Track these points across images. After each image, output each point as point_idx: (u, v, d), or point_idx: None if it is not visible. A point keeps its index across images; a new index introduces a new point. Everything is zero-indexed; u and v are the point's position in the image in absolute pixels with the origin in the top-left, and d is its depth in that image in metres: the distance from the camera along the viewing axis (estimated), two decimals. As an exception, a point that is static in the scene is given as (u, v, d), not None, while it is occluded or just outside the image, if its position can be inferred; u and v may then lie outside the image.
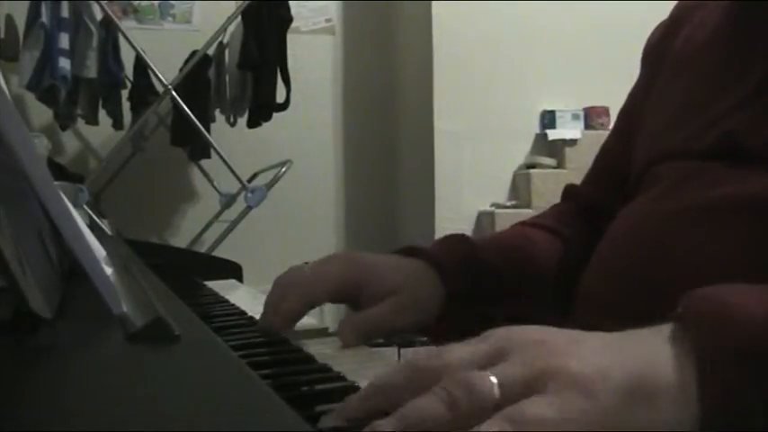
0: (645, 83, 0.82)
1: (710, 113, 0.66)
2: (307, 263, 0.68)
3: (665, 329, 0.39)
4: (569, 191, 0.91)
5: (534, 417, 0.34)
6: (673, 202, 0.65)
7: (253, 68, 2.85)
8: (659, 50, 0.80)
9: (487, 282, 0.73)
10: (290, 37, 2.94)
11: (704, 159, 0.65)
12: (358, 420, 0.38)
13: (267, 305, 0.66)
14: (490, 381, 0.36)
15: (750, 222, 0.57)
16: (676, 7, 0.82)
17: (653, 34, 0.85)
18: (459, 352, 0.39)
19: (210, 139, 2.79)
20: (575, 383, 0.35)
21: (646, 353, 0.38)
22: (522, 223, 0.87)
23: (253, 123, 3.02)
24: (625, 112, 0.86)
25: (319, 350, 0.57)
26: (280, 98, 2.93)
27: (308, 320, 0.67)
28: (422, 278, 0.69)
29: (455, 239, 0.77)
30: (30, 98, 2.84)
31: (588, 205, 0.86)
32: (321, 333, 0.66)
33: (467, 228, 3.12)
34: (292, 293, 0.65)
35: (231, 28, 2.90)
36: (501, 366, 0.37)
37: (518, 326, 0.41)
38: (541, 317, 0.44)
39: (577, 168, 2.87)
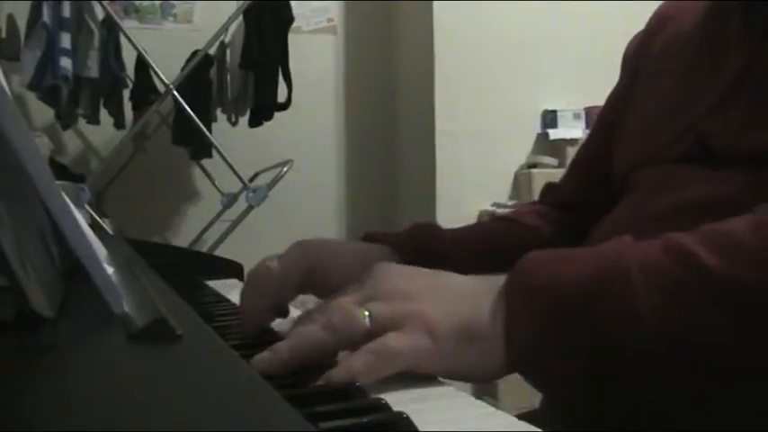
0: (623, 89, 0.84)
1: (685, 117, 0.69)
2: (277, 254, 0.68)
3: (500, 284, 0.48)
4: (547, 188, 0.96)
5: (393, 349, 0.45)
6: (647, 207, 0.67)
7: (254, 68, 2.85)
8: (638, 57, 0.82)
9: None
10: (291, 37, 2.94)
11: (678, 163, 0.67)
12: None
13: (241, 301, 0.67)
14: (364, 313, 0.46)
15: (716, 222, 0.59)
16: (654, 15, 0.85)
17: (631, 42, 0.87)
18: (345, 293, 0.50)
19: (212, 138, 2.79)
20: (425, 325, 0.46)
21: (478, 303, 0.47)
22: (498, 217, 0.92)
23: (254, 123, 3.02)
24: (602, 120, 0.89)
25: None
26: (281, 98, 2.93)
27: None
28: (385, 259, 0.70)
29: (421, 228, 0.80)
30: (31, 98, 2.84)
31: (563, 202, 0.91)
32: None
33: (468, 227, 3.11)
34: (258, 295, 0.65)
35: (233, 28, 2.90)
36: (374, 304, 0.47)
37: (393, 268, 0.52)
38: None
39: (579, 168, 2.85)
